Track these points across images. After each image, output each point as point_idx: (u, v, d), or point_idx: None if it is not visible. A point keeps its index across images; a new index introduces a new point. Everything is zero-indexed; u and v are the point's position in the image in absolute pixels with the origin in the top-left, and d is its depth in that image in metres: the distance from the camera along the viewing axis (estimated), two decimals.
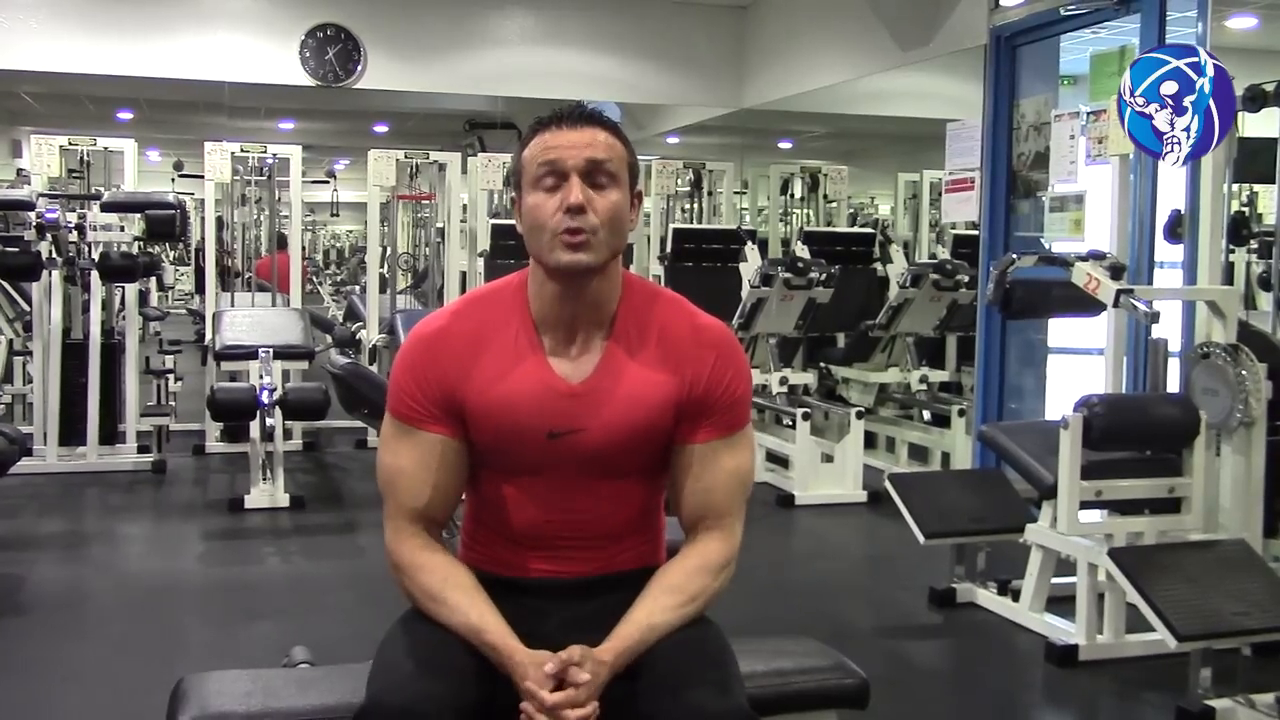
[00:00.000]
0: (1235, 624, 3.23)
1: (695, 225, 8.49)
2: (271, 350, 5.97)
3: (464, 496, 1.89)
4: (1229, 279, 4.60)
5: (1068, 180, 5.28)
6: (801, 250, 7.20)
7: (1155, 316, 3.77)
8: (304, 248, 10.16)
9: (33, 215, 6.20)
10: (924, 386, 6.67)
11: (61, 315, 6.34)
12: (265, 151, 7.79)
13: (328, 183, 14.40)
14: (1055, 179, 5.41)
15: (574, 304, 1.77)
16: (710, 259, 7.36)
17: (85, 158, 7.97)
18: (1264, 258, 5.16)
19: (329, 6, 8.38)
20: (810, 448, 5.99)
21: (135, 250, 6.41)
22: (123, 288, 6.91)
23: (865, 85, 8.00)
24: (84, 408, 6.33)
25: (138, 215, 6.37)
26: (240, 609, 4.21)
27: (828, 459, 6.10)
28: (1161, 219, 4.70)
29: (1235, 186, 5.05)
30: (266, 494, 5.65)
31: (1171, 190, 4.74)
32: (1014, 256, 4.13)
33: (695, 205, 8.92)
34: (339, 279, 16.32)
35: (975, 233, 6.44)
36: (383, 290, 8.29)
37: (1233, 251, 4.87)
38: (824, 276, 6.21)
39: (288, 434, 6.56)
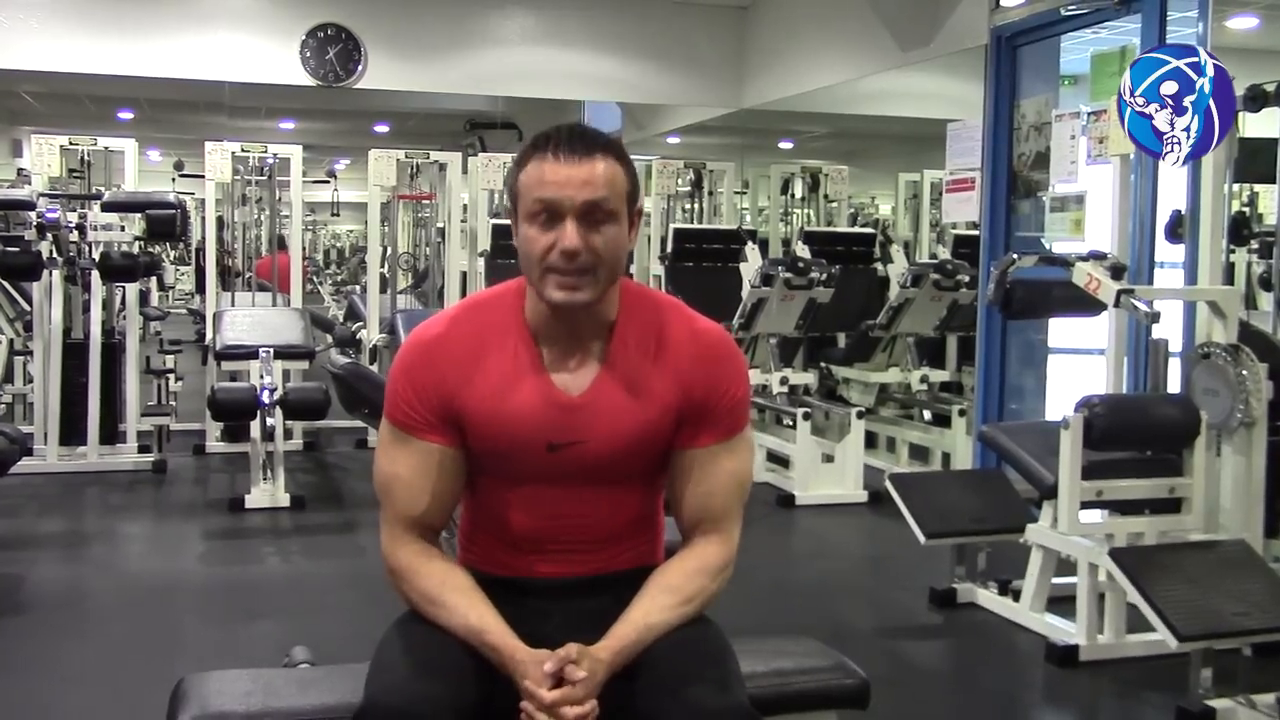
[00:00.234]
0: (1236, 624, 3.23)
1: (696, 225, 8.48)
2: (272, 350, 5.97)
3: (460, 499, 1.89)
4: (1230, 279, 4.60)
5: (1068, 180, 5.28)
6: (802, 250, 7.20)
7: (1156, 317, 3.77)
8: (304, 247, 10.16)
9: (33, 215, 6.20)
10: (924, 386, 6.67)
11: (62, 315, 6.34)
12: (266, 151, 7.78)
13: (328, 182, 14.40)
14: (1056, 179, 5.41)
15: (571, 322, 1.76)
16: (711, 259, 7.36)
17: (86, 157, 7.97)
18: (1265, 258, 5.16)
19: (329, 6, 8.38)
20: (811, 448, 5.99)
21: (136, 250, 6.41)
22: (123, 287, 6.92)
23: (866, 85, 8.00)
24: (84, 407, 6.33)
25: (138, 215, 6.37)
26: (241, 609, 4.21)
27: (828, 459, 6.09)
28: (1162, 219, 4.70)
29: (1236, 186, 5.04)
30: (267, 494, 5.65)
31: (1172, 190, 4.74)
32: (1014, 256, 4.13)
33: (696, 205, 8.91)
34: (339, 279, 16.33)
35: (976, 233, 6.43)
36: (383, 290, 8.29)
37: (1233, 252, 4.87)
38: (824, 276, 6.21)
39: (288, 434, 6.56)
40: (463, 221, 7.94)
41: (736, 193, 9.29)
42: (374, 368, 7.06)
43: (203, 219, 8.70)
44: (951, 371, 6.89)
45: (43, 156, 7.19)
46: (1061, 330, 5.89)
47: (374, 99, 9.97)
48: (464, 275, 7.81)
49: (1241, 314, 3.95)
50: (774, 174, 9.35)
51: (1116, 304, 3.79)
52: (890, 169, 10.40)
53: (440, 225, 8.19)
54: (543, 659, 1.66)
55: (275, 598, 4.37)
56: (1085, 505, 3.68)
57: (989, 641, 3.97)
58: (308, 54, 8.32)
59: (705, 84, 9.17)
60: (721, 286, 6.89)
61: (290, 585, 4.58)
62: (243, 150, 7.55)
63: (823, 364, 7.31)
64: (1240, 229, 4.89)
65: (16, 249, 6.13)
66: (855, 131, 10.63)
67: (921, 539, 4.13)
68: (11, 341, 7.10)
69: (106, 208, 6.39)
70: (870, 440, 6.54)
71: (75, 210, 6.46)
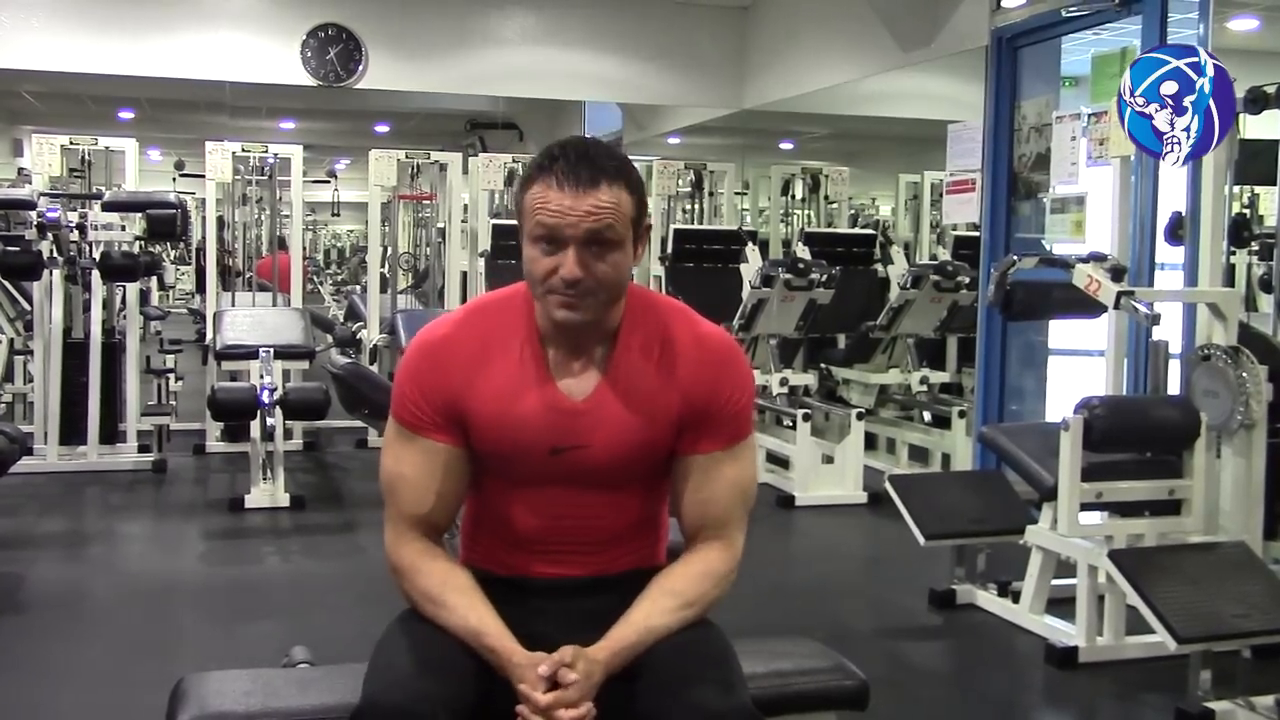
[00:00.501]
0: (1235, 626, 3.23)
1: (696, 226, 8.48)
2: (272, 350, 5.97)
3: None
4: (1230, 281, 4.59)
5: (1069, 182, 5.28)
6: (802, 251, 7.20)
7: (1156, 318, 3.77)
8: (305, 247, 10.17)
9: (34, 214, 6.20)
10: (924, 388, 6.67)
11: (62, 314, 6.34)
12: (266, 151, 7.79)
13: (329, 182, 14.41)
14: (1056, 180, 5.41)
15: (576, 330, 1.76)
16: (711, 260, 7.36)
17: (86, 157, 7.97)
18: (1265, 260, 5.16)
19: (330, 6, 8.38)
20: (811, 449, 5.99)
21: (136, 250, 6.41)
22: (124, 287, 6.92)
23: (866, 86, 8.00)
24: (85, 407, 6.33)
25: (139, 215, 6.37)
26: (240, 608, 4.21)
27: (828, 460, 6.10)
28: (1162, 221, 4.70)
29: (1236, 188, 5.04)
30: (267, 494, 5.65)
31: (1172, 192, 4.75)
32: (1015, 258, 4.13)
33: (696, 206, 8.92)
34: (340, 279, 16.34)
35: (976, 234, 6.44)
36: (383, 290, 8.29)
37: (1234, 253, 4.86)
38: (825, 277, 6.21)
39: (288, 434, 6.56)
40: (463, 222, 7.94)
41: (737, 193, 9.29)
42: (374, 368, 7.07)
43: (203, 219, 8.70)
44: (951, 373, 6.89)
45: (43, 156, 7.20)
46: (1062, 332, 5.89)
47: (374, 99, 9.98)
48: (464, 275, 7.82)
49: (1242, 316, 3.95)
50: (774, 175, 9.36)
51: (1117, 306, 3.79)
52: (891, 170, 10.40)
53: (441, 225, 8.19)
54: (539, 661, 1.67)
55: (275, 598, 4.37)
56: (1085, 507, 3.68)
57: (988, 643, 3.97)
58: (308, 54, 8.32)
59: (706, 84, 9.17)
60: (722, 287, 6.89)
61: (290, 585, 4.58)
62: (243, 150, 7.55)
63: (823, 365, 7.31)
64: (1240, 231, 4.89)
65: (17, 248, 6.13)
66: (856, 132, 10.63)
67: (921, 540, 4.13)
68: (12, 341, 7.10)
69: (107, 207, 6.39)
70: (870, 441, 6.54)
71: (76, 210, 6.46)
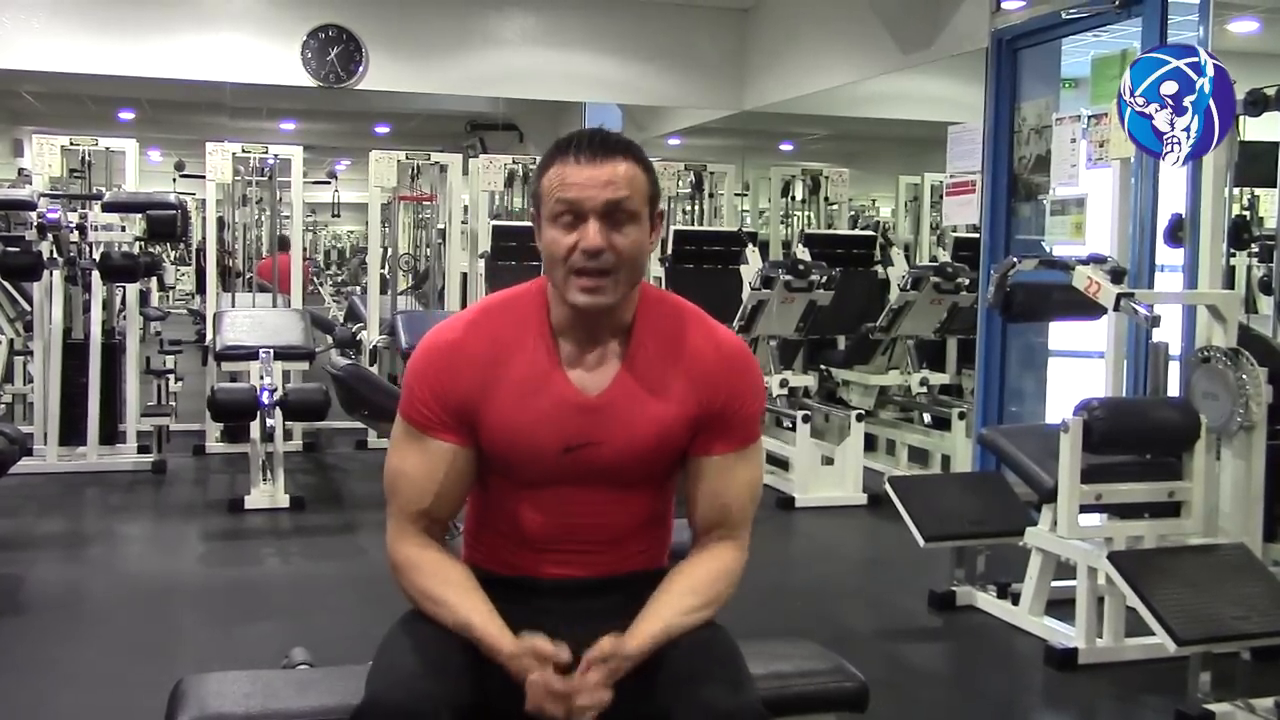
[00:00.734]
0: (1235, 628, 3.23)
1: (696, 227, 8.49)
2: (272, 351, 5.97)
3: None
4: (1230, 283, 4.60)
5: (1069, 183, 5.27)
6: (802, 252, 7.20)
7: (1156, 320, 3.77)
8: (305, 248, 10.17)
9: (34, 215, 6.20)
10: (924, 389, 6.67)
11: (62, 315, 6.34)
12: (266, 152, 7.79)
13: (329, 183, 14.43)
14: (1056, 182, 5.41)
15: (592, 321, 1.78)
16: (711, 261, 7.36)
17: (87, 158, 7.97)
18: (1265, 261, 5.16)
19: (331, 7, 8.38)
20: (810, 450, 5.99)
21: (136, 250, 6.41)
22: (123, 288, 6.92)
23: (867, 88, 8.01)
24: (84, 408, 6.33)
25: (139, 215, 6.37)
26: (240, 610, 4.21)
27: (828, 461, 6.10)
28: (1162, 223, 4.70)
29: (1236, 190, 5.05)
30: (266, 494, 5.65)
31: (1172, 194, 4.74)
32: (1015, 260, 4.13)
33: (696, 207, 8.92)
34: (340, 280, 16.35)
35: (976, 236, 6.44)
36: (384, 291, 8.30)
37: (1233, 255, 4.87)
38: (825, 279, 6.21)
39: (288, 435, 6.56)
40: (463, 223, 7.94)
41: (737, 195, 9.30)
42: (374, 369, 7.07)
43: (203, 219, 8.72)
44: (951, 374, 6.89)
45: (44, 156, 7.19)
46: (1061, 333, 5.89)
47: (375, 100, 9.98)
48: (464, 277, 7.81)
49: (1241, 318, 3.95)
50: (774, 176, 9.36)
51: (1116, 307, 3.79)
52: (891, 171, 10.41)
53: (441, 226, 8.19)
54: (529, 648, 1.66)
55: (274, 599, 4.37)
56: (1084, 509, 3.68)
57: (988, 644, 3.97)
58: (309, 55, 8.32)
59: (706, 86, 9.18)
60: (722, 288, 6.89)
61: (289, 586, 4.58)
62: (244, 151, 7.55)
63: (823, 366, 7.31)
64: (1240, 233, 4.89)
65: (17, 249, 6.13)
66: (856, 134, 10.64)
67: (921, 542, 4.13)
68: (12, 341, 7.10)
69: (107, 208, 6.39)
70: (870, 443, 6.54)
71: (76, 210, 6.46)
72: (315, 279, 14.01)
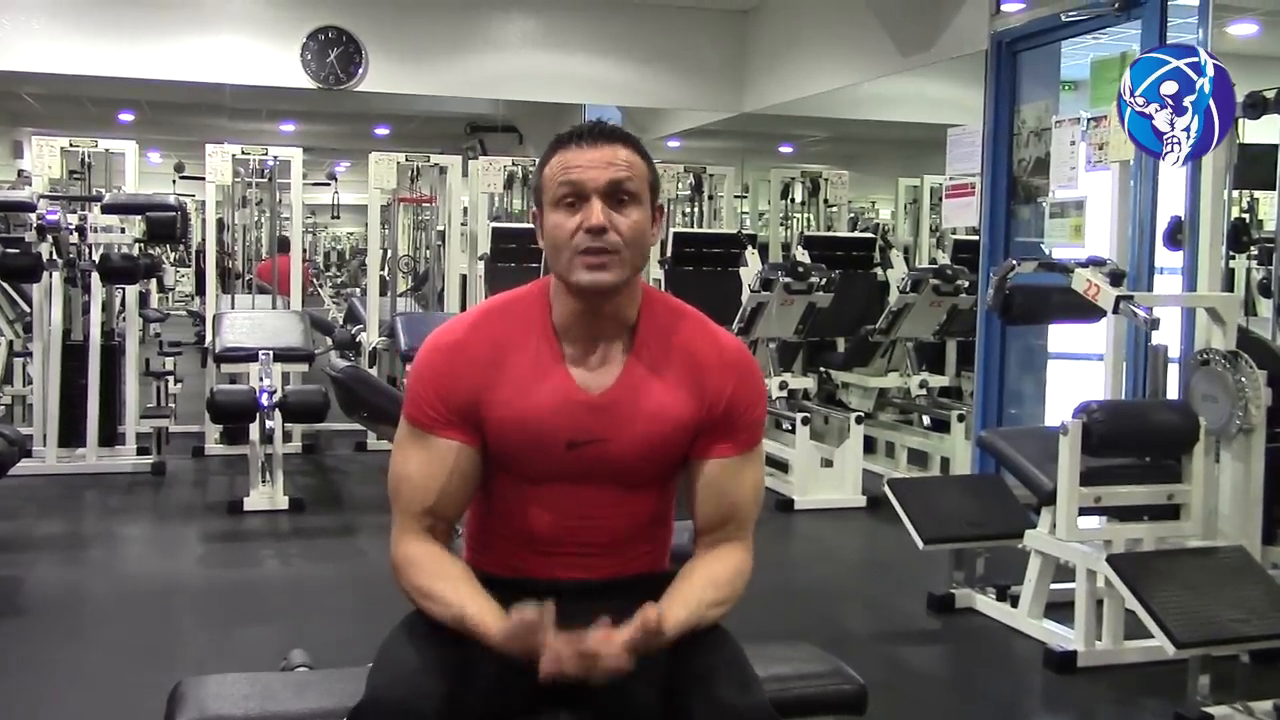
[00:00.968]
0: (1234, 631, 3.23)
1: (696, 229, 8.49)
2: (271, 353, 5.96)
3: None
4: (1229, 285, 4.60)
5: (1068, 186, 5.27)
6: (802, 255, 7.20)
7: (1155, 323, 3.78)
8: (304, 250, 10.17)
9: (33, 217, 6.20)
10: (924, 391, 6.68)
11: (62, 317, 6.34)
12: (266, 154, 7.79)
13: (329, 185, 14.42)
14: (1056, 184, 5.41)
15: (596, 317, 1.79)
16: (711, 263, 7.36)
17: (86, 159, 7.97)
18: (1264, 264, 5.16)
19: (330, 9, 8.39)
20: (810, 452, 5.99)
21: (136, 252, 6.41)
22: (123, 289, 6.92)
23: (866, 90, 8.01)
24: (84, 409, 6.33)
25: (138, 217, 6.37)
26: (239, 612, 4.21)
27: (827, 464, 6.10)
28: (1162, 225, 4.70)
29: (1235, 193, 5.05)
30: (266, 496, 5.65)
31: (1172, 196, 4.75)
32: (1014, 262, 4.13)
33: (696, 209, 8.93)
34: (339, 281, 16.35)
35: (975, 238, 6.44)
36: (383, 293, 8.29)
37: (1233, 258, 4.86)
38: (824, 281, 6.21)
39: (287, 436, 6.56)
40: (463, 225, 7.94)
41: (736, 197, 9.31)
42: (373, 371, 7.07)
43: (203, 221, 8.73)
44: (951, 377, 6.90)
45: (43, 158, 7.19)
46: (1061, 336, 5.89)
47: (374, 102, 9.99)
48: (464, 278, 7.81)
49: (1241, 320, 3.95)
50: (774, 178, 9.36)
51: (1115, 310, 3.79)
52: (890, 174, 10.42)
53: (440, 228, 8.19)
54: (526, 624, 1.59)
55: (273, 601, 4.37)
56: (1084, 511, 3.69)
57: (987, 647, 3.97)
58: (308, 56, 8.33)
59: (706, 88, 9.18)
60: (721, 291, 6.89)
61: (289, 588, 4.58)
62: (243, 153, 7.56)
63: (822, 369, 7.32)
64: (1239, 235, 4.88)
65: (17, 250, 6.13)
66: (855, 136, 10.65)
67: (920, 544, 4.13)
68: (11, 343, 7.11)
69: (107, 210, 6.39)
70: (869, 445, 6.54)
71: (75, 212, 6.47)
72: (315, 280, 14.01)
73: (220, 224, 8.77)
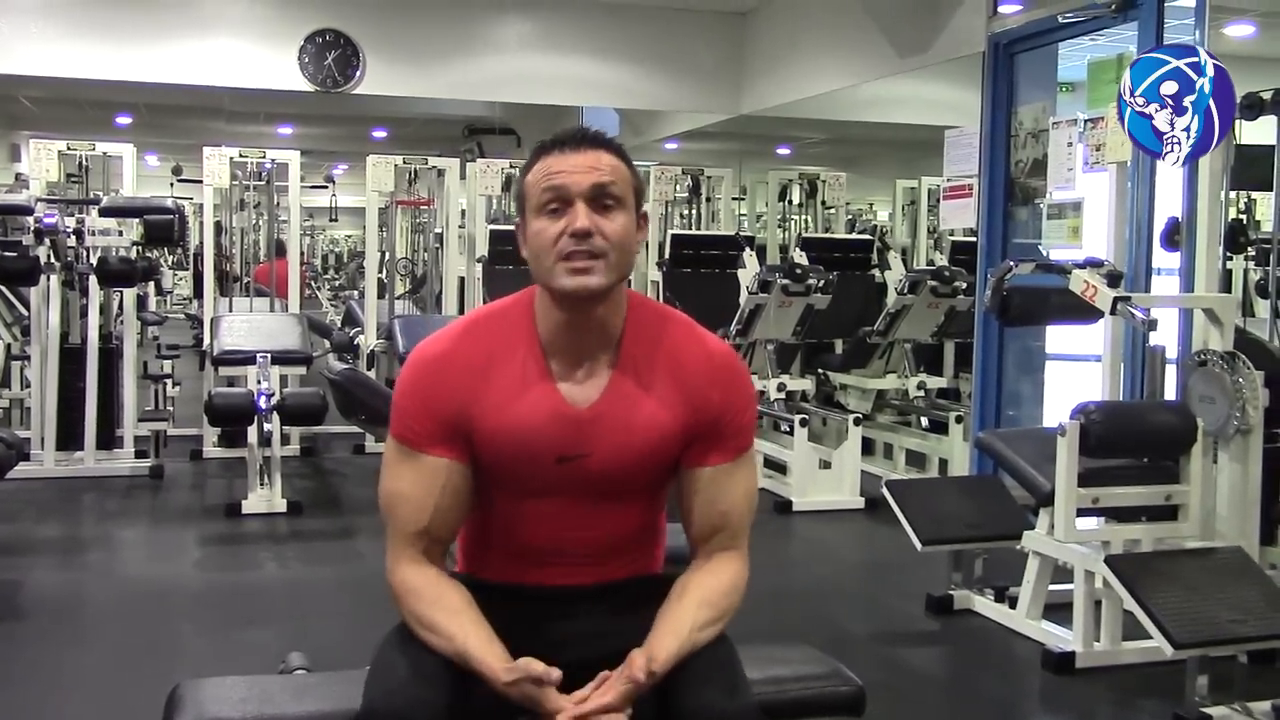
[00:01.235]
0: (1232, 632, 3.23)
1: (693, 231, 8.49)
2: (269, 355, 5.96)
3: None
4: (1226, 286, 4.61)
5: (1065, 187, 5.28)
6: (800, 256, 7.20)
7: (1152, 324, 3.78)
8: (302, 253, 10.17)
9: (31, 220, 6.19)
10: (922, 393, 6.68)
11: (59, 320, 6.34)
12: (264, 157, 7.80)
13: (326, 188, 14.43)
14: (1053, 186, 5.42)
15: (581, 329, 1.76)
16: (708, 265, 7.36)
17: (84, 162, 7.99)
18: (1261, 265, 5.17)
19: (328, 12, 8.39)
20: (808, 454, 5.99)
21: (133, 255, 6.42)
22: (121, 292, 6.91)
23: (864, 92, 8.01)
24: (82, 412, 6.33)
25: (136, 220, 6.36)
26: (237, 615, 4.21)
27: (825, 465, 6.10)
28: (1159, 226, 4.70)
29: (1233, 194, 5.05)
30: (264, 499, 5.64)
31: (1169, 197, 4.75)
32: (1012, 263, 4.14)
33: (694, 211, 8.93)
34: (337, 284, 16.36)
35: (973, 239, 6.44)
36: (381, 295, 8.30)
37: (1230, 259, 4.87)
38: (822, 283, 6.21)
39: (285, 439, 6.56)
40: (461, 227, 7.95)
41: (734, 199, 9.32)
42: (371, 373, 7.07)
43: (201, 224, 8.73)
44: (949, 378, 6.90)
45: (41, 161, 7.19)
46: (1059, 337, 5.90)
47: (372, 104, 9.98)
48: (462, 281, 7.82)
49: (1238, 321, 3.95)
50: (772, 180, 9.37)
51: (1113, 311, 3.80)
52: (888, 175, 10.42)
53: (438, 230, 8.20)
54: (530, 674, 1.63)
55: (272, 603, 4.36)
56: (1082, 512, 3.69)
57: (985, 648, 3.97)
58: (306, 59, 8.32)
59: (704, 90, 9.18)
60: (719, 292, 6.89)
61: (287, 591, 4.57)
62: (241, 155, 7.57)
63: (820, 370, 7.32)
64: (1237, 236, 4.90)
65: (14, 254, 6.12)
66: (853, 138, 10.65)
67: (918, 546, 4.13)
68: (9, 346, 7.10)
69: (104, 213, 6.39)
70: (867, 447, 6.54)
71: (73, 215, 6.46)
72: (312, 283, 14.01)
73: (218, 227, 8.78)
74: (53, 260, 6.24)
